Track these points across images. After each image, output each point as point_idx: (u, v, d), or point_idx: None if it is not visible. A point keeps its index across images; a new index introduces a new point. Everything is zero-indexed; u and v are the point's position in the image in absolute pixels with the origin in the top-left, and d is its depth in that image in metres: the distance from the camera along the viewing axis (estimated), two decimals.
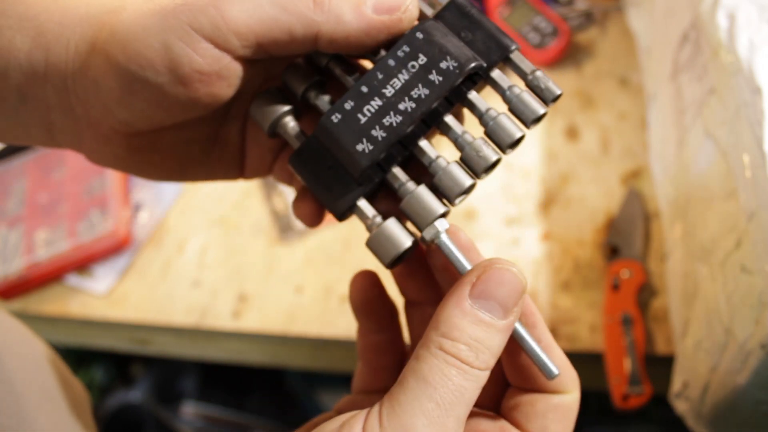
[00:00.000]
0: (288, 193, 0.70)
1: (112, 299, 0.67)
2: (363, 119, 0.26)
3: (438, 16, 0.28)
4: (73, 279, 0.69)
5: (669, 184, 0.53)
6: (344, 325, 0.60)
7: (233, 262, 0.67)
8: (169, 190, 0.73)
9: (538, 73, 0.27)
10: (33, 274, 0.68)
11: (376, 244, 0.27)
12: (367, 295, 0.30)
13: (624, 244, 0.57)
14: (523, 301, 0.24)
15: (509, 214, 0.63)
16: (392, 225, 0.26)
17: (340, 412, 0.30)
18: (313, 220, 0.30)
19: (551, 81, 0.27)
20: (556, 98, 0.27)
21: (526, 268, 0.59)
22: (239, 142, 0.32)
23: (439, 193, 0.26)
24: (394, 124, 0.26)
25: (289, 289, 0.64)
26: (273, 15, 0.25)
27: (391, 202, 0.29)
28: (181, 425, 0.80)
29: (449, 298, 0.23)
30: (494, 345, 0.23)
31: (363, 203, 0.27)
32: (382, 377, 0.31)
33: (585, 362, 0.55)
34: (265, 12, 0.25)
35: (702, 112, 0.46)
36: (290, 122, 0.29)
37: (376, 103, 0.26)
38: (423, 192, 0.26)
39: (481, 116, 0.27)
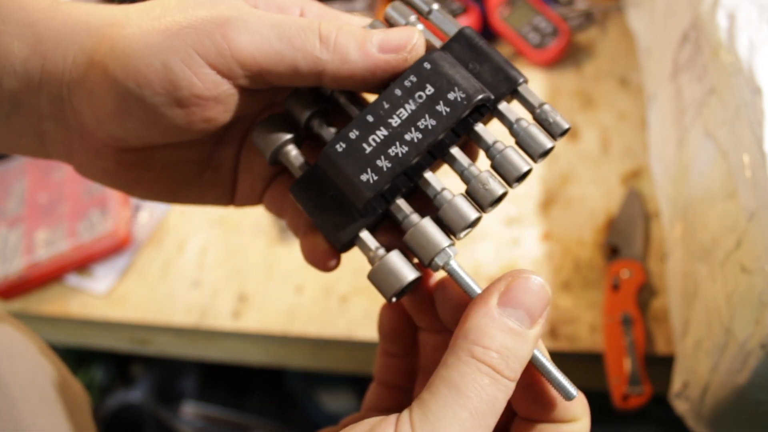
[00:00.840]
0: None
1: (112, 299, 0.67)
2: (368, 149, 0.26)
3: (446, 47, 0.27)
4: (73, 279, 0.69)
5: (669, 184, 0.53)
6: (344, 325, 0.60)
7: (233, 262, 0.67)
8: None
9: (546, 107, 0.26)
10: (33, 274, 0.68)
11: (378, 277, 0.26)
12: (395, 325, 0.31)
13: (624, 244, 0.57)
14: (548, 312, 0.24)
15: (509, 214, 0.63)
16: (395, 258, 0.26)
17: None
18: (326, 261, 0.29)
19: (559, 115, 0.26)
20: (564, 132, 0.26)
21: (527, 268, 0.59)
22: (233, 167, 0.31)
23: (444, 225, 0.26)
24: (400, 155, 0.25)
25: (289, 289, 0.64)
26: (279, 49, 0.25)
27: (393, 235, 0.28)
28: (181, 425, 0.80)
29: (477, 306, 0.23)
30: (523, 354, 0.23)
31: (365, 235, 0.27)
32: (396, 396, 0.31)
33: (585, 362, 0.55)
34: (272, 46, 0.25)
35: (702, 112, 0.46)
36: (292, 150, 0.29)
37: (382, 133, 0.26)
38: (427, 225, 0.26)
39: (487, 149, 0.26)
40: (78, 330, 0.71)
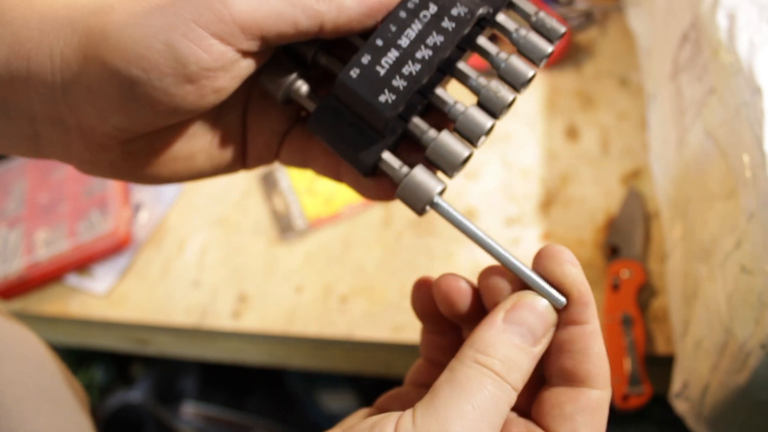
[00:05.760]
0: (288, 193, 0.70)
1: (112, 299, 0.67)
2: (382, 71, 0.26)
3: None
4: (73, 279, 0.69)
5: (669, 184, 0.53)
6: (344, 325, 0.60)
7: (233, 262, 0.67)
8: (169, 190, 0.73)
9: (542, 14, 0.28)
10: (33, 274, 0.68)
11: (407, 192, 0.27)
12: (427, 303, 0.30)
13: (624, 244, 0.57)
14: (552, 333, 0.25)
15: (509, 214, 0.63)
16: (420, 172, 0.27)
17: (379, 408, 0.30)
18: (390, 192, 0.29)
19: (555, 20, 0.28)
20: (561, 36, 0.28)
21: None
22: (241, 130, 0.31)
23: (462, 136, 0.27)
24: (414, 73, 0.26)
25: (289, 289, 0.64)
26: (278, 8, 0.25)
27: (414, 154, 0.29)
28: (181, 425, 0.80)
29: (485, 321, 0.25)
30: (524, 367, 0.24)
31: (388, 155, 0.27)
32: (440, 373, 0.31)
33: None
34: (271, 6, 0.24)
35: (702, 112, 0.46)
36: (303, 86, 0.29)
37: (393, 54, 0.27)
38: (447, 137, 0.27)
39: (492, 59, 0.28)
40: (78, 330, 0.71)
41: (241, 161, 0.32)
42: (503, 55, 0.27)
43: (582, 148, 0.66)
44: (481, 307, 0.28)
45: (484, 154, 0.69)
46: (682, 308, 0.47)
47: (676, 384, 0.46)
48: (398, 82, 0.26)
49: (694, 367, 0.43)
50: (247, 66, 0.26)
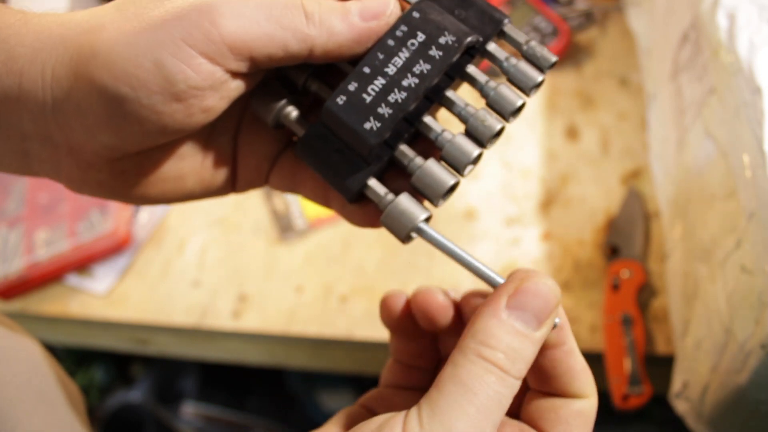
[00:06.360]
0: (288, 194, 0.70)
1: (112, 299, 0.67)
2: (368, 99, 0.27)
3: None
4: (73, 279, 0.69)
5: (669, 184, 0.53)
6: (344, 325, 0.60)
7: (233, 262, 0.67)
8: None
9: (533, 43, 0.28)
10: (33, 274, 0.68)
11: (390, 219, 0.27)
12: (396, 318, 0.31)
13: (624, 244, 0.57)
14: (556, 314, 0.25)
15: (509, 214, 0.63)
16: (405, 199, 0.27)
17: (365, 406, 0.30)
18: (372, 220, 0.30)
19: (546, 49, 0.28)
20: (552, 65, 0.28)
21: (528, 268, 0.59)
22: (231, 154, 0.31)
23: (449, 164, 0.27)
24: (400, 101, 0.26)
25: (289, 289, 0.64)
26: (269, 31, 0.25)
27: (400, 181, 0.29)
28: (181, 425, 0.80)
29: (486, 307, 0.24)
30: (528, 355, 0.24)
31: (374, 182, 0.28)
32: (416, 376, 0.32)
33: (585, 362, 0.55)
34: (261, 28, 0.24)
35: (702, 112, 0.46)
36: (293, 111, 0.29)
37: (380, 82, 0.27)
38: (432, 165, 0.27)
39: (481, 88, 0.28)
40: (78, 330, 0.71)
41: (231, 184, 0.32)
42: (492, 84, 0.27)
43: (582, 148, 0.66)
44: (461, 321, 0.29)
45: (484, 154, 0.69)
46: (682, 308, 0.47)
47: (676, 384, 0.46)
48: (384, 110, 0.26)
49: (694, 367, 0.43)
50: (237, 87, 0.26)
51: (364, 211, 0.30)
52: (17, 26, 0.26)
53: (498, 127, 0.27)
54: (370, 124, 0.26)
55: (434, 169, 0.27)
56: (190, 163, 0.30)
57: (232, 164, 0.31)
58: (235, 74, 0.26)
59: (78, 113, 0.25)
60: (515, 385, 0.23)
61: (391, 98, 0.26)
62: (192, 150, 0.30)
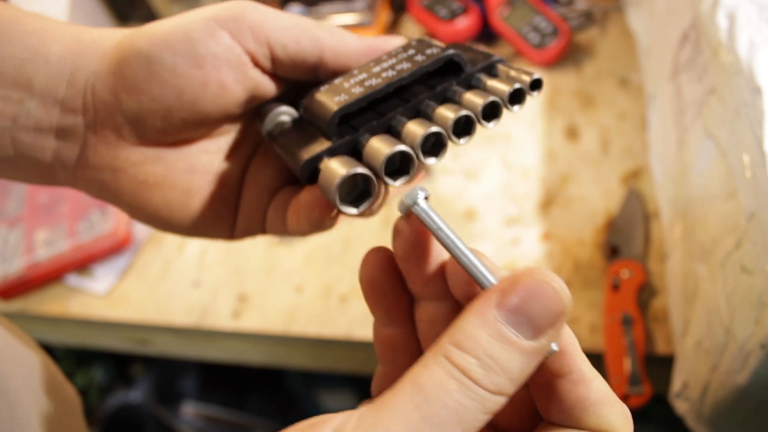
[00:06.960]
0: None
1: (112, 299, 0.67)
2: (347, 84, 0.29)
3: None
4: (73, 279, 0.69)
5: (669, 184, 0.53)
6: (344, 325, 0.60)
7: (233, 262, 0.67)
8: None
9: (524, 75, 0.28)
10: (33, 274, 0.68)
11: (322, 183, 0.25)
12: (374, 271, 0.27)
13: (624, 244, 0.57)
14: (561, 324, 0.20)
15: (509, 214, 0.63)
16: (333, 161, 0.25)
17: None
18: (323, 215, 0.28)
19: (532, 73, 0.28)
20: (536, 83, 0.28)
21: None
22: (238, 180, 0.32)
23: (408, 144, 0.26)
24: (373, 84, 0.28)
25: (289, 289, 0.64)
26: (287, 25, 0.29)
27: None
28: (181, 425, 0.80)
29: (473, 304, 0.20)
30: (513, 368, 0.19)
31: (329, 159, 0.26)
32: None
33: None
34: (280, 22, 0.29)
35: (702, 112, 0.46)
36: (286, 116, 0.31)
37: (363, 75, 0.29)
38: (376, 140, 0.26)
39: (457, 101, 0.28)
40: (78, 330, 0.71)
41: (232, 215, 0.33)
42: (466, 96, 0.28)
43: (582, 148, 0.66)
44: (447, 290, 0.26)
45: (484, 154, 0.69)
46: (682, 308, 0.47)
47: (676, 384, 0.46)
48: (356, 90, 0.28)
49: (694, 367, 0.43)
50: (253, 77, 0.29)
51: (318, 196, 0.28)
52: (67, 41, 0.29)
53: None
54: (339, 98, 0.28)
55: (377, 142, 0.25)
56: (200, 178, 0.31)
57: (237, 191, 0.33)
58: (254, 62, 0.29)
59: (113, 80, 0.28)
60: (488, 400, 0.19)
61: (366, 83, 0.28)
62: (204, 166, 0.31)
